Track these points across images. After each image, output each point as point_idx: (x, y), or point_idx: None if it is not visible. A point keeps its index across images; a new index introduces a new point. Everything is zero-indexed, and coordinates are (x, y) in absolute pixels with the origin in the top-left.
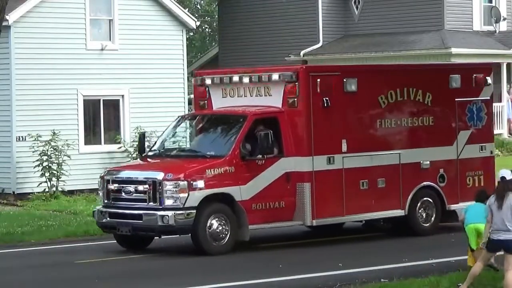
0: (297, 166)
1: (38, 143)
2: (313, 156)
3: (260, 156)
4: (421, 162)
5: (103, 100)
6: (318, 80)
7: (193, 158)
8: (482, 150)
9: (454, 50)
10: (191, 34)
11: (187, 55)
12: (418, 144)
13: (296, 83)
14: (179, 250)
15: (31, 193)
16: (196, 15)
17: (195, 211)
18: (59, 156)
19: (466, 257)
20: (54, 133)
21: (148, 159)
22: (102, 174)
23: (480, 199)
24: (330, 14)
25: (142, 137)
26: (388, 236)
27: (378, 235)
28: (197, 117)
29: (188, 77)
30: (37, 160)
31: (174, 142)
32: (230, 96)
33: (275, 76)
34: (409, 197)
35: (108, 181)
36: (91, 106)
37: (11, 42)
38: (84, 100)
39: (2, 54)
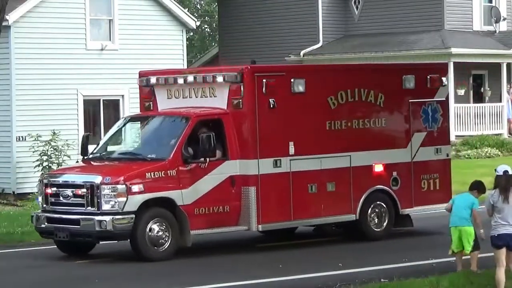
0: (242, 169)
1: (38, 143)
2: (258, 159)
3: (202, 159)
4: (373, 165)
5: (103, 100)
6: (264, 80)
7: (133, 161)
8: (437, 152)
9: (454, 50)
10: (191, 34)
11: (187, 55)
12: (369, 147)
13: (241, 83)
14: (180, 250)
15: (31, 193)
16: (196, 15)
17: (134, 216)
18: (59, 156)
19: (465, 257)
20: (54, 133)
21: (90, 162)
22: (41, 178)
23: (472, 188)
24: (330, 14)
25: (85, 139)
26: (387, 236)
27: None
28: (141, 119)
29: None
30: (37, 160)
31: (116, 144)
32: (175, 97)
33: (219, 77)
34: (360, 201)
35: (46, 185)
36: (91, 106)
37: (11, 42)
38: (84, 100)
39: (2, 54)
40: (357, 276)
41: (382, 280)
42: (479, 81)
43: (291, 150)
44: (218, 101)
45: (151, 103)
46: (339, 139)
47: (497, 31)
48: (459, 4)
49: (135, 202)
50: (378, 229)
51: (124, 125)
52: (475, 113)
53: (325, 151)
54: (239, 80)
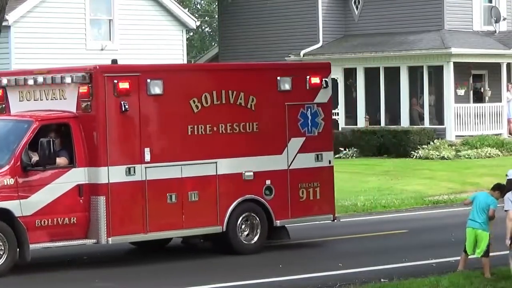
0: (91, 177)
1: None
2: (108, 167)
3: (42, 167)
4: (243, 172)
5: None
6: (115, 81)
7: None
8: (318, 159)
9: (454, 50)
10: (191, 34)
11: (187, 55)
12: (239, 153)
13: (90, 85)
14: (182, 250)
15: None
16: (196, 15)
17: None
18: None
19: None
20: None
21: None
22: None
23: (495, 189)
24: (330, 14)
25: None
26: (387, 236)
27: (377, 235)
28: None
29: None
30: None
31: None
32: (27, 100)
33: (67, 78)
34: (228, 212)
35: None
36: None
37: (11, 42)
38: None
39: (2, 54)
40: (357, 276)
41: (382, 280)
42: (479, 81)
43: (147, 157)
44: (68, 103)
45: (4, 106)
46: (204, 145)
47: (497, 31)
48: (459, 4)
49: None
50: (249, 242)
51: None
52: (475, 113)
53: (187, 158)
54: (88, 81)
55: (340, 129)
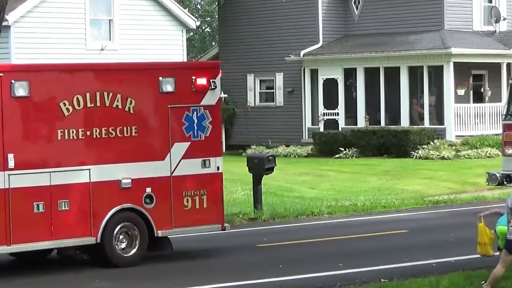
0: None
1: None
2: None
3: None
4: (120, 180)
5: None
6: None
7: None
8: (205, 165)
9: (454, 50)
10: (191, 34)
11: (187, 55)
12: (115, 159)
13: None
14: (179, 251)
15: None
16: (196, 15)
17: None
18: None
19: (465, 257)
20: None
21: None
22: None
23: None
24: (330, 14)
25: None
26: (387, 236)
27: (377, 235)
28: None
29: None
30: None
31: None
32: None
33: None
34: (103, 222)
35: None
36: None
37: (11, 42)
38: None
39: (2, 54)
40: (357, 276)
41: (382, 280)
42: (479, 81)
43: (11, 163)
44: None
45: None
46: (75, 151)
47: (497, 31)
48: (459, 4)
49: None
50: (127, 254)
51: None
52: (475, 113)
53: (56, 164)
54: None
55: (340, 129)
